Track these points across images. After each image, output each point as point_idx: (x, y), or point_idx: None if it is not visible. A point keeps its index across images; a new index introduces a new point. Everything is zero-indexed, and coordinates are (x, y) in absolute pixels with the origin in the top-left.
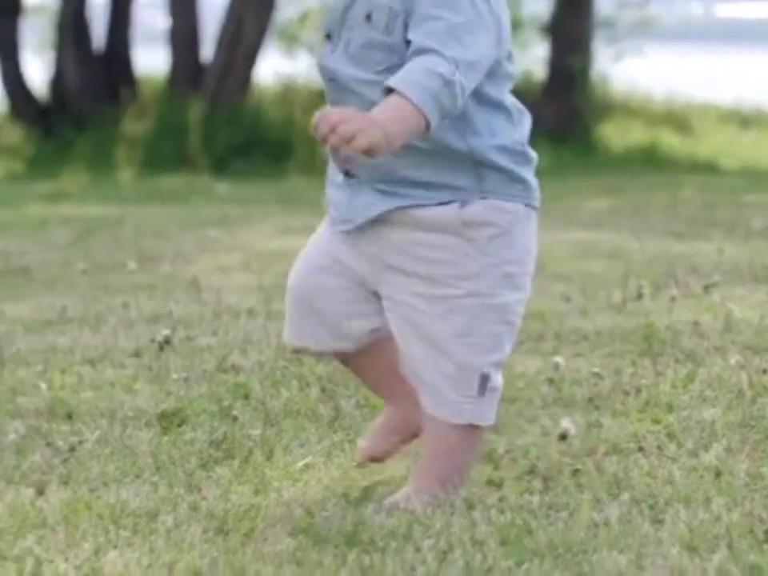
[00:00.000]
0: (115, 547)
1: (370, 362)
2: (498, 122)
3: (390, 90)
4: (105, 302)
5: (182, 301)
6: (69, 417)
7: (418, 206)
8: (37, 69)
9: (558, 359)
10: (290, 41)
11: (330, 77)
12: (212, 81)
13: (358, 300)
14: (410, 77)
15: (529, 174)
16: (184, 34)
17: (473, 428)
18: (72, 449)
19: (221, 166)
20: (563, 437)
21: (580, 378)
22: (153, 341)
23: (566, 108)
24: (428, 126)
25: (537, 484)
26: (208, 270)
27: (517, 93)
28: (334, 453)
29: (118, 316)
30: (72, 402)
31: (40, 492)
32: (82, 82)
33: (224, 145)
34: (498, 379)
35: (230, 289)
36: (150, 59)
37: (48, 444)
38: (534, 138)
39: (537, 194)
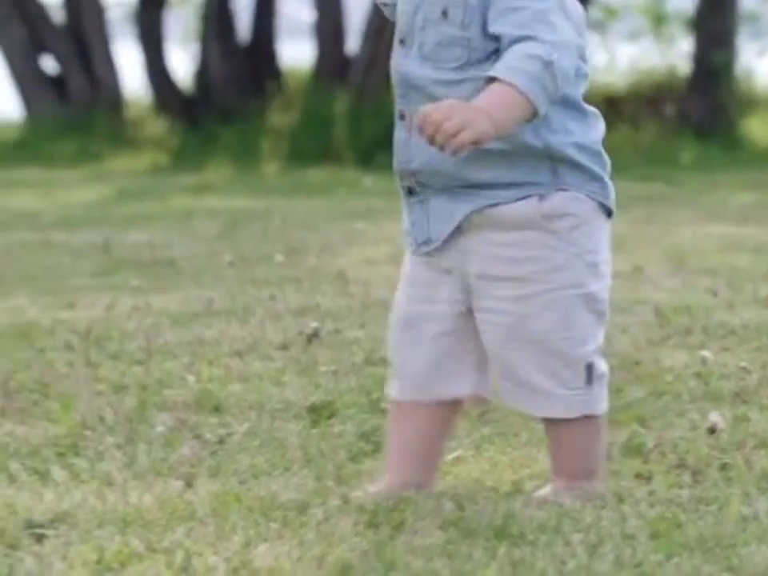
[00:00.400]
0: (265, 540)
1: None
2: (573, 122)
3: (491, 81)
4: (252, 294)
5: (329, 293)
6: (216, 409)
7: (496, 204)
8: (181, 61)
9: (706, 353)
10: None
11: (402, 79)
12: (358, 73)
13: (456, 352)
14: (509, 63)
15: (605, 175)
16: (329, 27)
17: (591, 419)
18: (220, 441)
19: (366, 158)
20: (712, 431)
21: (727, 372)
22: (301, 333)
23: (710, 103)
24: (535, 112)
25: (686, 478)
26: (355, 263)
27: (661, 87)
28: (483, 446)
29: (265, 308)
30: (220, 395)
31: (188, 484)
32: (226, 74)
33: (369, 137)
34: (602, 365)
35: (378, 282)
36: (295, 52)
37: (196, 436)
38: (679, 133)
39: (612, 195)
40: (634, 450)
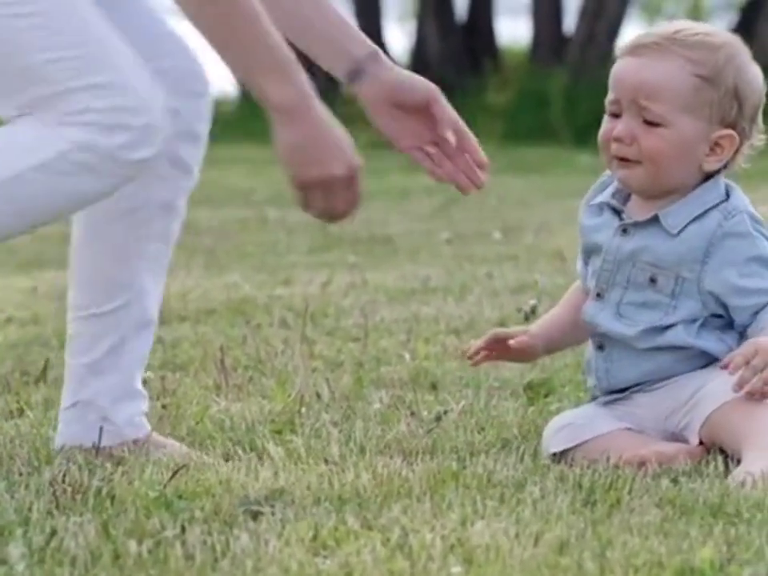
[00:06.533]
0: (482, 517)
1: None
2: None
3: None
4: (469, 271)
5: (547, 271)
6: (433, 387)
7: None
8: (398, 37)
9: None
10: (653, 12)
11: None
12: (575, 52)
13: None
14: None
15: None
16: (546, 6)
17: None
18: (437, 418)
19: (582, 136)
20: None
21: None
22: (519, 311)
23: None
24: None
25: None
26: (572, 242)
27: None
28: None
29: (482, 286)
30: (436, 372)
31: (406, 462)
32: (443, 52)
33: (586, 116)
34: None
35: None
36: (512, 30)
37: (412, 414)
38: None
39: None
40: None
